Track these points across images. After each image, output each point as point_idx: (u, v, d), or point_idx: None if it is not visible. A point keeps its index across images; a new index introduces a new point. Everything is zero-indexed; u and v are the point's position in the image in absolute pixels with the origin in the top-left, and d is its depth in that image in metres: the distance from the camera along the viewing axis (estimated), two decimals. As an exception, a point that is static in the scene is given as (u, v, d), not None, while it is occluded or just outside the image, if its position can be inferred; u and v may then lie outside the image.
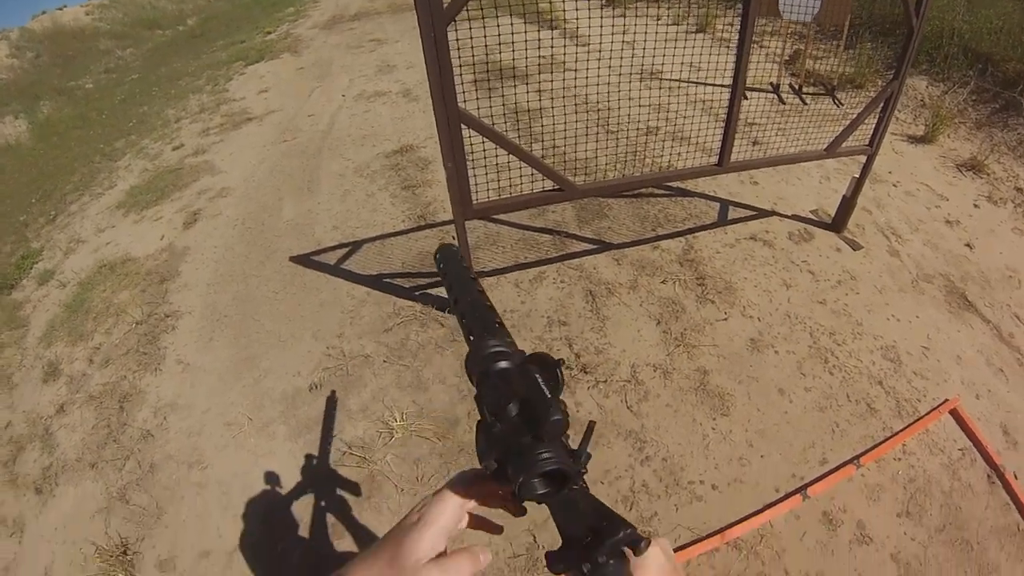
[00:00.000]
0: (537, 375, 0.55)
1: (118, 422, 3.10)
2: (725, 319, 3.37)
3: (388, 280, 3.66)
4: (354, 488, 2.63)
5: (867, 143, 3.65)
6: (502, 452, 0.52)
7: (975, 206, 4.55)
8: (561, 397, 0.55)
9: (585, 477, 0.54)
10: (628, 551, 0.47)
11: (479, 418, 0.57)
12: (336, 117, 5.99)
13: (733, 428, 2.82)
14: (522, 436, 0.52)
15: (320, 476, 2.71)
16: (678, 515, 2.50)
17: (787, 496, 2.54)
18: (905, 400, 3.03)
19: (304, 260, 3.91)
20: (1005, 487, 2.76)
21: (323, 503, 2.61)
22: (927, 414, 2.96)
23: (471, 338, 0.65)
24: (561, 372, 0.56)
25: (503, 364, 0.59)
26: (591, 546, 0.47)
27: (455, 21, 2.29)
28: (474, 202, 2.74)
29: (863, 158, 3.77)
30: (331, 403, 2.94)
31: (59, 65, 14.16)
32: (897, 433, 2.86)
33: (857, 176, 3.79)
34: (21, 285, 4.49)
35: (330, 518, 2.56)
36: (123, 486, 2.80)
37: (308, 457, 2.78)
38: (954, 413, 2.99)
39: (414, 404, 2.97)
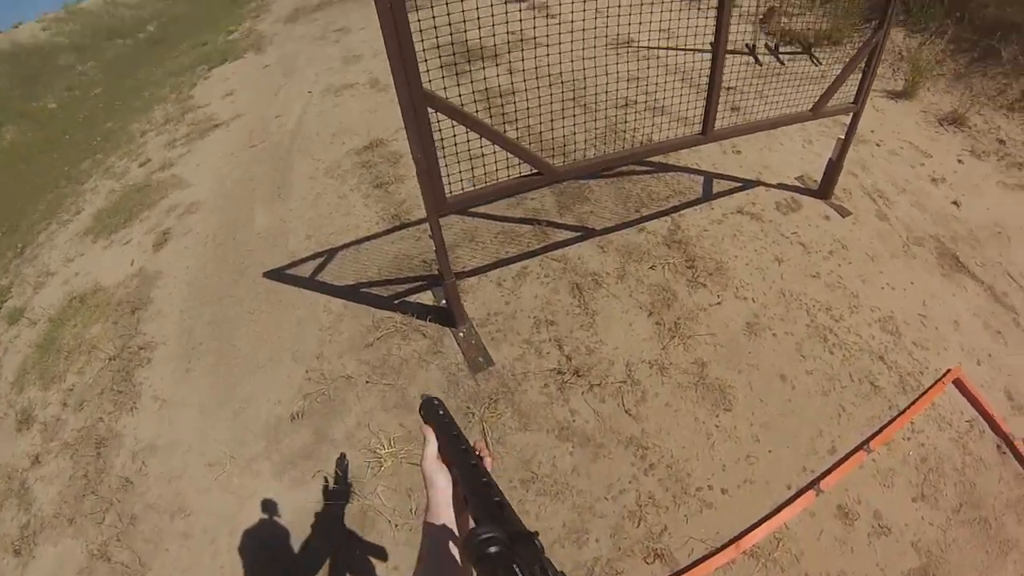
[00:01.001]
0: (516, 565, 0.54)
1: (95, 470, 2.94)
2: (719, 303, 3.25)
3: (365, 290, 3.48)
4: (343, 532, 2.49)
5: (851, 101, 3.51)
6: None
7: (959, 161, 4.46)
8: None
9: None
10: None
11: None
12: (304, 115, 5.76)
13: (737, 423, 2.71)
14: None
15: (310, 516, 2.57)
16: (689, 527, 2.39)
17: (800, 493, 2.46)
18: (908, 374, 2.96)
19: (278, 275, 3.73)
20: (1015, 456, 2.72)
21: (314, 546, 2.46)
22: (931, 387, 2.89)
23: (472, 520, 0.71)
24: (539, 544, 0.59)
25: (494, 550, 0.59)
26: None
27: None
28: (448, 195, 2.50)
29: (845, 119, 3.64)
30: (342, 464, 2.74)
31: (19, 86, 13.64)
32: (904, 411, 2.79)
33: (842, 137, 3.67)
34: (-9, 326, 4.32)
35: (323, 561, 2.43)
36: (103, 542, 2.64)
37: (295, 496, 2.63)
38: (957, 383, 2.93)
39: (401, 427, 2.81)
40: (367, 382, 3.02)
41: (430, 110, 2.27)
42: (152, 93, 8.78)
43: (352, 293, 3.49)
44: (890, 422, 2.73)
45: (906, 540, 2.38)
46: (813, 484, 2.48)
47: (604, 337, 3.10)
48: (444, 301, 3.17)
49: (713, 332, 3.10)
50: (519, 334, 3.14)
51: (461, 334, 3.13)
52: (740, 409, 2.77)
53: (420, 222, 3.83)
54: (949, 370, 2.95)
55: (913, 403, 2.82)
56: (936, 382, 2.91)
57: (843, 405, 2.80)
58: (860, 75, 3.43)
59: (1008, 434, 2.74)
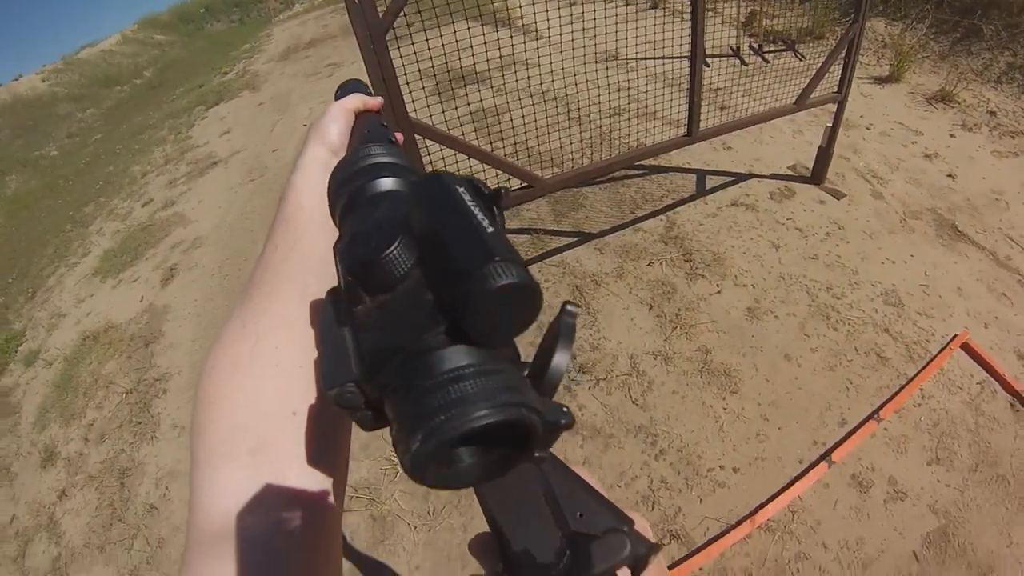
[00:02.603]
0: (462, 188, 0.28)
1: (121, 499, 3.01)
2: (718, 292, 3.29)
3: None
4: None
5: (835, 90, 3.59)
6: (375, 362, 0.25)
7: (951, 136, 4.49)
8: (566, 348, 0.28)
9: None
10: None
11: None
12: (300, 149, 5.95)
13: (745, 405, 2.73)
14: (421, 324, 0.25)
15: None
16: (703, 506, 2.40)
17: (812, 466, 2.46)
18: (914, 343, 2.96)
19: (283, 302, 3.84)
20: (1031, 411, 2.69)
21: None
22: (939, 353, 2.89)
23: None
24: (500, 210, 0.29)
25: (389, 183, 0.33)
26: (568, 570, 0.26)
27: (394, 30, 2.20)
28: (442, 215, 2.64)
29: (834, 107, 3.70)
30: None
31: (21, 136, 14.07)
32: (912, 379, 2.78)
33: (830, 125, 3.72)
34: (8, 370, 4.42)
35: (346, 566, 2.44)
36: (134, 567, 2.69)
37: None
38: (966, 347, 2.91)
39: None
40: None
41: (418, 136, 2.40)
42: (151, 136, 9.02)
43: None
44: (899, 391, 2.73)
45: (923, 503, 2.37)
46: (825, 456, 2.49)
47: (607, 333, 3.15)
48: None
49: (715, 320, 3.13)
50: (523, 337, 3.17)
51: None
52: (747, 391, 2.79)
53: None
54: (956, 335, 2.95)
55: (921, 370, 2.81)
56: (944, 348, 2.91)
57: (850, 378, 2.80)
58: (842, 65, 3.51)
59: (1021, 391, 2.71)
